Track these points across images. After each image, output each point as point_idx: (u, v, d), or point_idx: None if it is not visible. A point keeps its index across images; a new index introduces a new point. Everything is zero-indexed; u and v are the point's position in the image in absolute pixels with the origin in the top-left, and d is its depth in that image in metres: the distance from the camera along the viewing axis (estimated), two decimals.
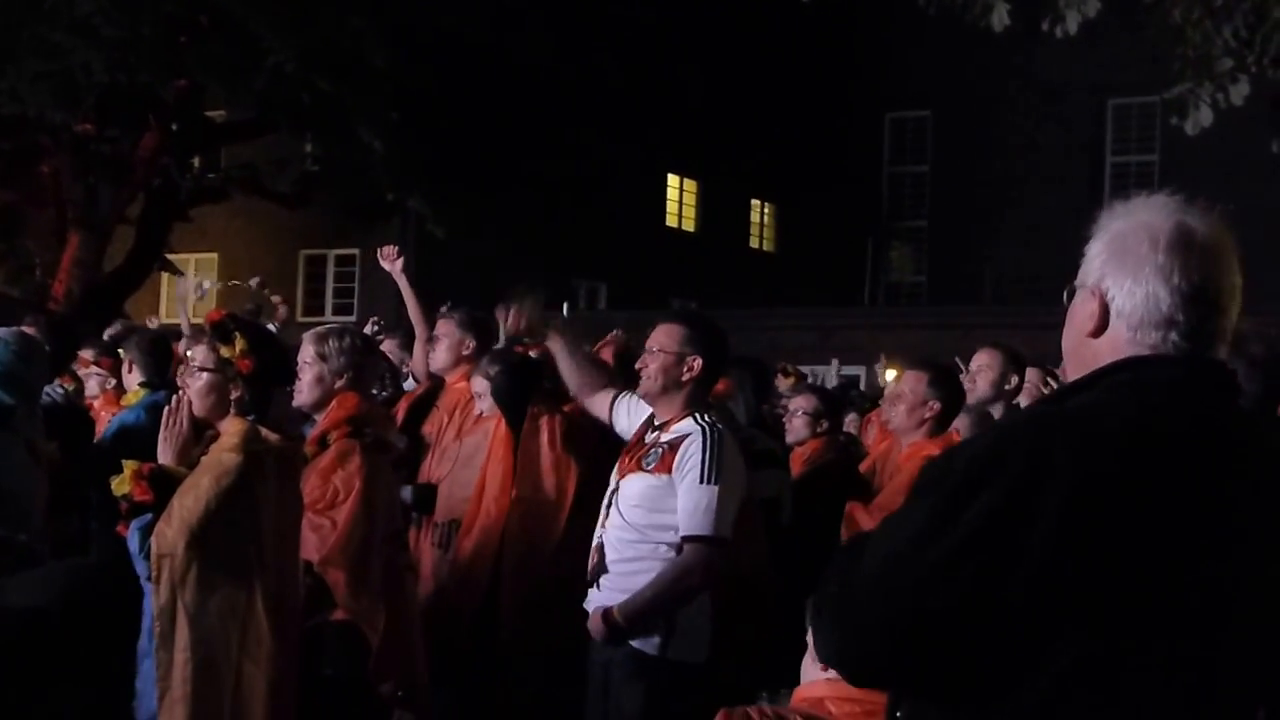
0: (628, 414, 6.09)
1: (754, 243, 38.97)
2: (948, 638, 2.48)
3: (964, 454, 2.59)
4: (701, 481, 5.52)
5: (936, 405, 6.99)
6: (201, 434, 5.16)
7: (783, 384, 11.63)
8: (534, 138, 25.96)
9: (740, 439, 7.13)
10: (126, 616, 4.76)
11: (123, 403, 8.07)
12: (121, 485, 4.86)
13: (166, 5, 21.66)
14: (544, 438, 6.95)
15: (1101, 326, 2.71)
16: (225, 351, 5.32)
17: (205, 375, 5.33)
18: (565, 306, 7.23)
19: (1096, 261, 2.73)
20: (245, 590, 4.89)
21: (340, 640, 5.49)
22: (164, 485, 4.91)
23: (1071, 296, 2.80)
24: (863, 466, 7.77)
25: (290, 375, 5.73)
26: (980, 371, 7.79)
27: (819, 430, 8.51)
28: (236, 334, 5.37)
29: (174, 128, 24.25)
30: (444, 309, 8.32)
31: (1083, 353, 2.74)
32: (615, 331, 8.25)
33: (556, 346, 6.28)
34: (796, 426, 8.65)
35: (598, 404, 6.29)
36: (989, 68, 31.82)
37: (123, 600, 4.72)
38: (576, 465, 6.90)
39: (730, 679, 5.46)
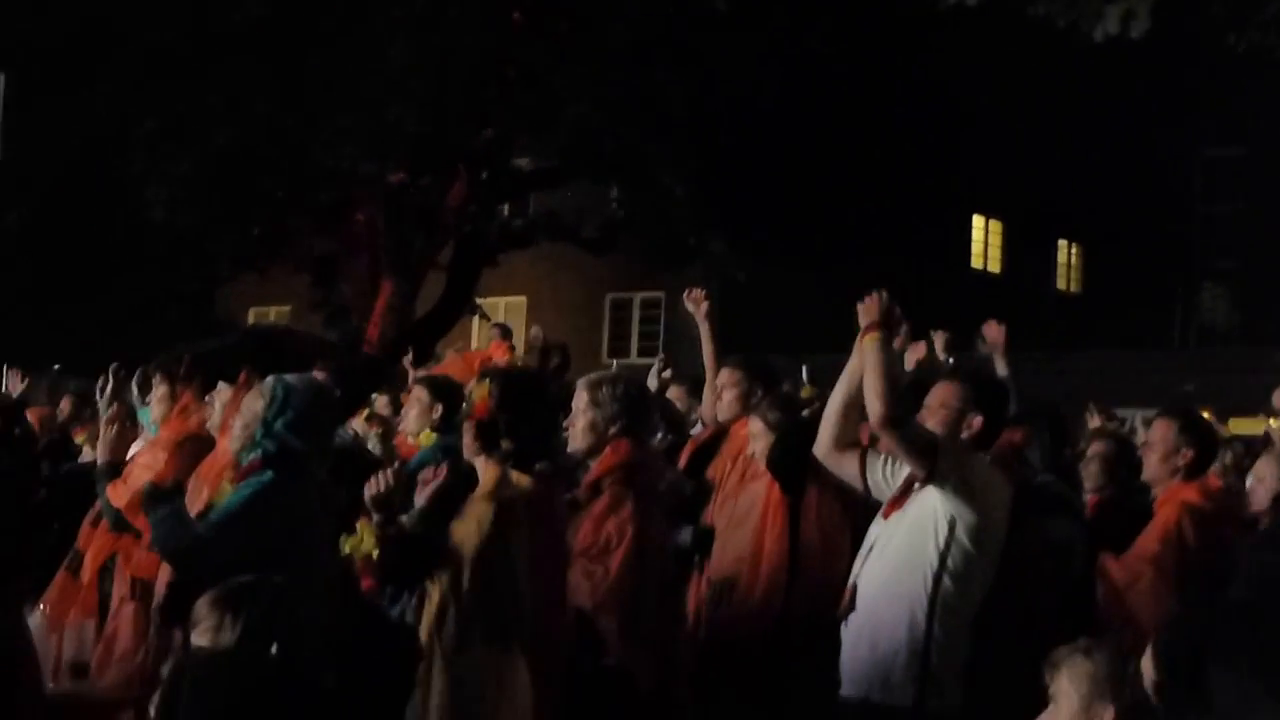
0: (885, 471, 5.87)
1: (1060, 284, 38.13)
2: None
3: None
4: None
5: (1190, 453, 6.77)
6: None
7: (1092, 423, 11.37)
8: (835, 180, 25.90)
9: (1034, 485, 6.96)
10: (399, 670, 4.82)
11: (415, 444, 8.14)
12: (359, 544, 4.94)
13: (474, 59, 22.25)
14: (815, 515, 6.73)
15: None
16: (476, 391, 5.36)
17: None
18: (804, 370, 7.21)
19: None
20: (502, 635, 4.91)
21: (611, 687, 5.49)
22: (402, 545, 5.00)
23: None
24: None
25: (551, 429, 5.75)
26: None
27: (1116, 477, 8.25)
28: (489, 380, 5.40)
29: (483, 176, 24.85)
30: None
31: None
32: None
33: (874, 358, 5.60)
34: (1092, 472, 8.43)
35: (846, 461, 6.07)
36: None
37: (395, 653, 4.79)
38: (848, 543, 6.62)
39: None
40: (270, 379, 5.86)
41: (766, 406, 7.12)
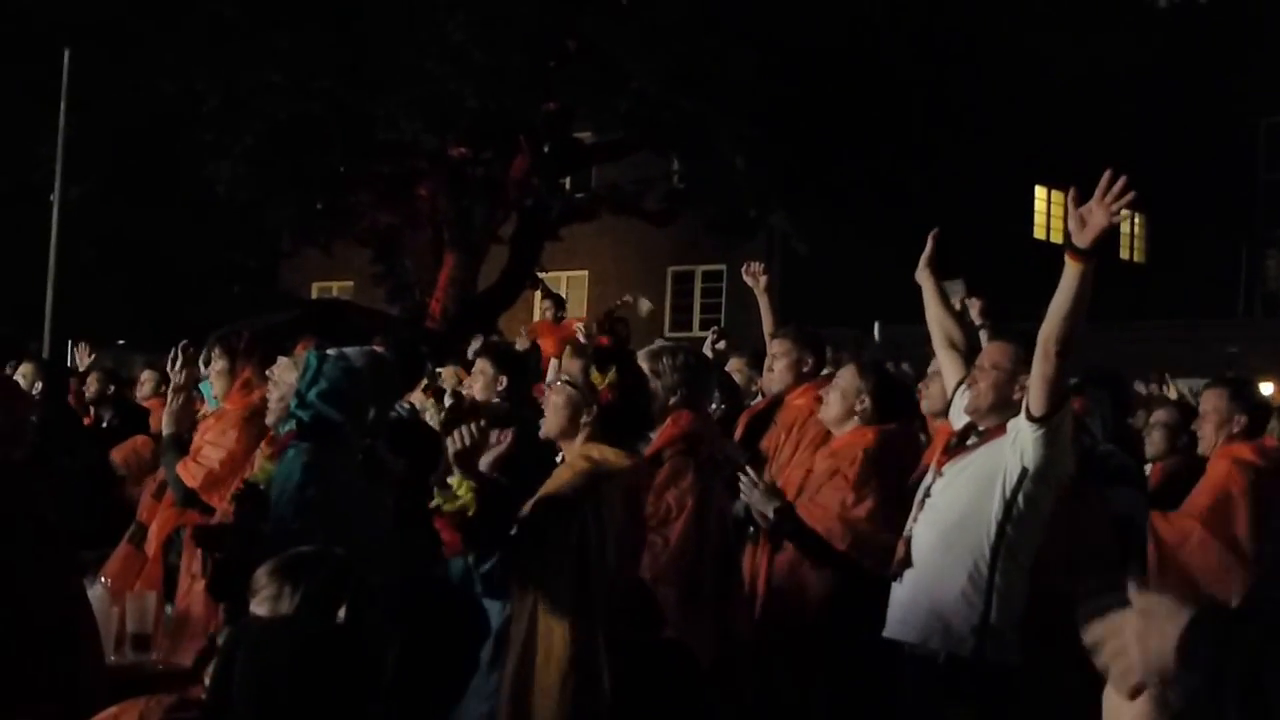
0: (958, 408, 5.90)
1: (1124, 254, 37.84)
2: None
3: None
4: None
5: (1243, 419, 6.89)
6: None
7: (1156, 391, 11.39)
8: (896, 152, 25.71)
9: (1096, 455, 6.92)
10: (459, 639, 4.78)
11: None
12: (454, 500, 4.78)
13: (534, 32, 22.21)
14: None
15: None
16: (596, 378, 5.19)
17: (568, 390, 5.18)
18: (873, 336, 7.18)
19: None
20: (588, 613, 4.81)
21: (670, 659, 5.45)
22: (499, 498, 4.87)
23: None
24: None
25: (648, 422, 5.57)
26: None
27: (1178, 445, 8.21)
28: (615, 367, 5.27)
29: (544, 149, 24.83)
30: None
31: None
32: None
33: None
34: (1155, 440, 8.42)
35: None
36: None
37: (458, 623, 4.75)
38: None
39: (1048, 685, 5.25)
40: (306, 351, 5.85)
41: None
